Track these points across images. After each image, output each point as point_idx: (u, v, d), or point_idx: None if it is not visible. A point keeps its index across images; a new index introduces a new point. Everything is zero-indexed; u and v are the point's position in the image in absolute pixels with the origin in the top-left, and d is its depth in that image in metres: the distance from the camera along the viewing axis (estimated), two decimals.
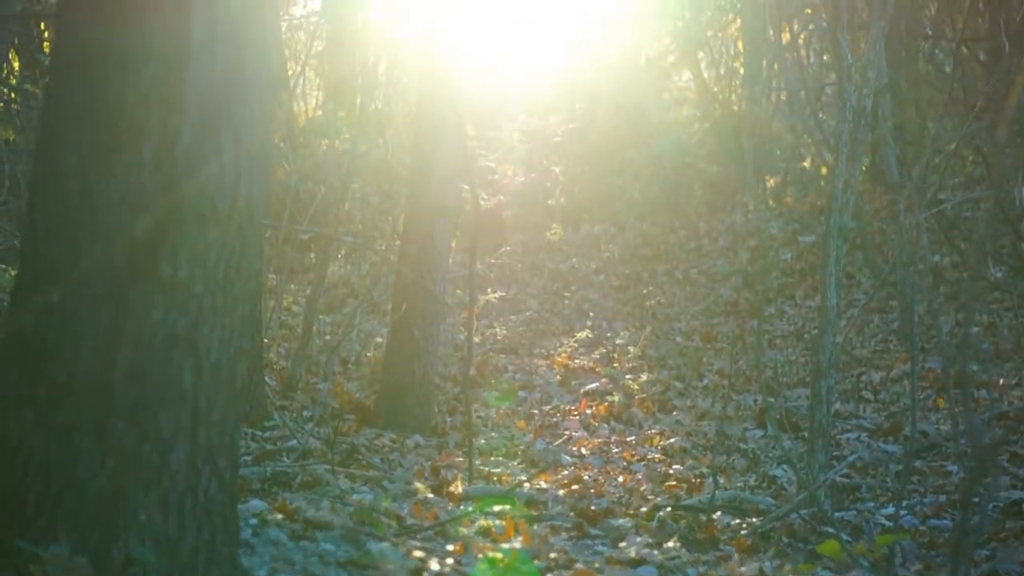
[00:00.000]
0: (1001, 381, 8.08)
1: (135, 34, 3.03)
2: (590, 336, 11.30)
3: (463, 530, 4.54)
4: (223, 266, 3.11)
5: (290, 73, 15.77)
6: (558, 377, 9.74)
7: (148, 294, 3.01)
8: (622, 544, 4.85)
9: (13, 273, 6.09)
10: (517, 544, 4.39)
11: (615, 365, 10.06)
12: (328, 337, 9.77)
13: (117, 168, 3.01)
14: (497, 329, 11.60)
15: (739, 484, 6.42)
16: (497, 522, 4.72)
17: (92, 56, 3.07)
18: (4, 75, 10.96)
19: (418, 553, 3.92)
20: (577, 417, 8.36)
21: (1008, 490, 5.72)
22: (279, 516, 4.09)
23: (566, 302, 13.50)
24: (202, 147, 3.06)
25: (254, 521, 3.87)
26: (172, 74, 3.03)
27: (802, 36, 15.95)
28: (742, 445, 7.28)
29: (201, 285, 3.07)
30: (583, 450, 7.35)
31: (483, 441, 7.28)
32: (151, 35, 3.02)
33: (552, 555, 4.35)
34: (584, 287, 14.30)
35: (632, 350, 10.52)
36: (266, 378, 7.82)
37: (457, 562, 3.95)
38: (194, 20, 3.04)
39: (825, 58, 15.72)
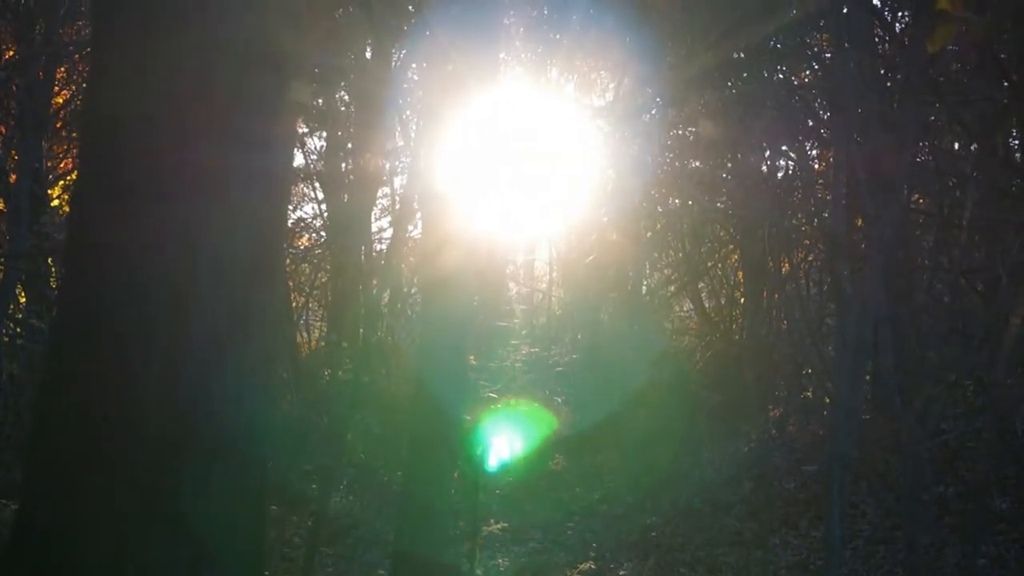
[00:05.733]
0: None
1: (142, 266, 3.08)
2: (593, 567, 11.18)
3: None
4: (225, 500, 3.11)
5: (294, 304, 16.00)
6: None
7: (150, 527, 2.99)
8: None
9: (14, 507, 6.07)
10: None
11: None
12: (330, 569, 9.68)
13: (122, 399, 3.02)
14: (500, 560, 11.48)
15: None
16: None
17: (99, 285, 3.12)
18: (11, 310, 11.07)
19: None
20: None
21: None
22: None
23: (569, 532, 13.39)
24: (206, 379, 3.09)
25: None
26: (178, 307, 3.07)
27: (802, 267, 16.16)
28: None
29: (203, 518, 3.06)
30: None
31: None
32: (158, 268, 3.08)
33: None
34: (587, 517, 14.20)
35: None
36: None
37: None
38: (200, 258, 3.10)
39: (825, 288, 15.90)
